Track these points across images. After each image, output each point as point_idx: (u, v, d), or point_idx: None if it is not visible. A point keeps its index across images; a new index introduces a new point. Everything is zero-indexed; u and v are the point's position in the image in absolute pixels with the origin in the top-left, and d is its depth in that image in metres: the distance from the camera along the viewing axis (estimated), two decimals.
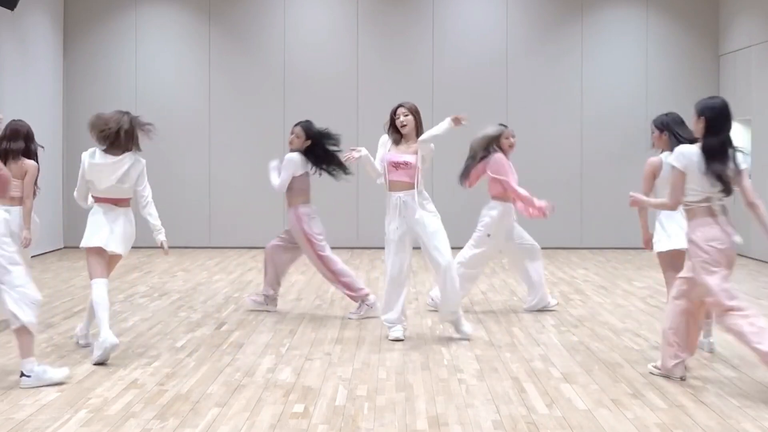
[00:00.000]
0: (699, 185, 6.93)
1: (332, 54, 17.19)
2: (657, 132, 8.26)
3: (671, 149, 7.56)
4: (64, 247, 16.89)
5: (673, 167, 6.98)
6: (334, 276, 10.07)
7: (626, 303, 10.99)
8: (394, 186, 8.80)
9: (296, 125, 10.12)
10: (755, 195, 6.96)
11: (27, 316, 6.82)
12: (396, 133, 8.89)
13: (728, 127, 7.03)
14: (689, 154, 6.94)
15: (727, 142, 6.95)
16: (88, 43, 17.18)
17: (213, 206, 17.11)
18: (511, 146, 10.23)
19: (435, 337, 8.93)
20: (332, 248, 10.15)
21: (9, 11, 14.42)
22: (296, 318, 10.00)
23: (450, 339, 8.82)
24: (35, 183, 9.10)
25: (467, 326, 8.98)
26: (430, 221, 8.73)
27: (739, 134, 16.45)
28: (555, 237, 16.44)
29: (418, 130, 8.88)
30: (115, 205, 8.08)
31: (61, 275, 13.31)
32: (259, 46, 17.20)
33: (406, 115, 8.83)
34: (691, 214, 7.05)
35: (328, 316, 10.12)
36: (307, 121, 10.17)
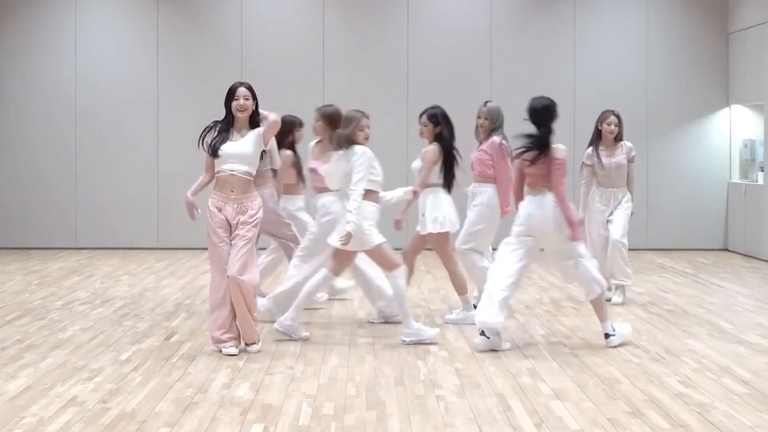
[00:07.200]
0: None
1: (295, 32, 17.13)
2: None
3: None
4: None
5: None
6: None
7: (624, 311, 11.02)
8: None
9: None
10: None
11: None
12: None
13: None
14: None
15: None
16: (22, 16, 17.05)
17: (161, 202, 17.03)
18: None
19: (410, 349, 8.94)
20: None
21: None
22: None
23: (427, 351, 8.84)
24: None
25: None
26: None
27: (749, 121, 16.54)
28: None
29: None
30: None
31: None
32: (213, 23, 17.13)
33: None
34: None
35: None
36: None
